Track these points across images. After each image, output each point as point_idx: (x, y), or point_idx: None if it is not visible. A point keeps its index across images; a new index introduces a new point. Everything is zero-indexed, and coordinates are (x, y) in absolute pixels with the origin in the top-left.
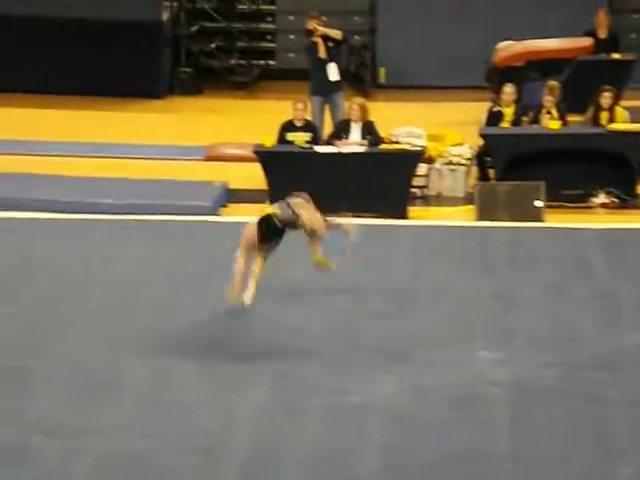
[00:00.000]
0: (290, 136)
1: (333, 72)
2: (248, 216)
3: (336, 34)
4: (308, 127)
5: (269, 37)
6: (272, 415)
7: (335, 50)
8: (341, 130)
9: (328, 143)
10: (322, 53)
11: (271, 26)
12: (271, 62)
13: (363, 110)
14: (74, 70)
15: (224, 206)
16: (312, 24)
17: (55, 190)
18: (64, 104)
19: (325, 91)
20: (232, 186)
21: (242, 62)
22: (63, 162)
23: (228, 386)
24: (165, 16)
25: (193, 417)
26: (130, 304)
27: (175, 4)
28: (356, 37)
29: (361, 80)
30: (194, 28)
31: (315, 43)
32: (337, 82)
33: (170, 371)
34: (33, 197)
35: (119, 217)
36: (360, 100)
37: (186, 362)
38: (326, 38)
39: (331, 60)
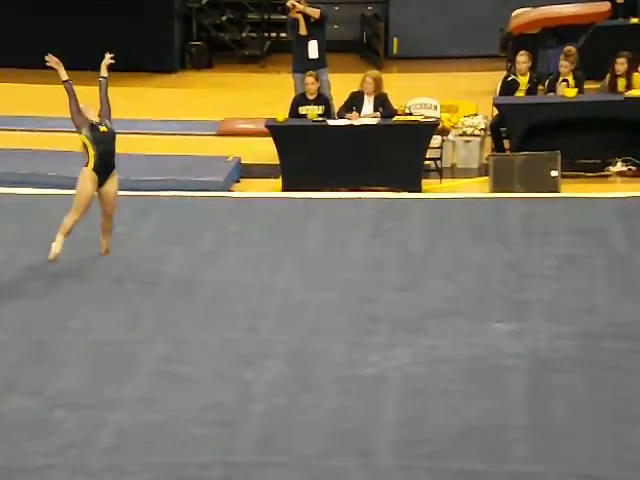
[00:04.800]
0: (302, 110)
1: (313, 49)
2: (260, 192)
3: (313, 12)
4: (320, 100)
5: (279, 9)
6: (287, 389)
7: (316, 27)
8: (353, 103)
9: (340, 116)
10: (302, 30)
11: None
12: (282, 34)
13: (377, 83)
14: (84, 45)
15: (237, 181)
16: (290, 1)
17: (66, 166)
18: (72, 79)
19: (306, 68)
20: (245, 161)
21: (253, 35)
22: (71, 138)
23: (243, 360)
24: None
25: (209, 391)
26: (145, 280)
27: None
28: (369, 7)
29: (374, 51)
30: (204, 1)
31: (296, 20)
32: (318, 59)
33: (186, 345)
34: (44, 172)
35: (131, 193)
36: (374, 73)
37: (202, 336)
38: (306, 15)
39: (312, 37)
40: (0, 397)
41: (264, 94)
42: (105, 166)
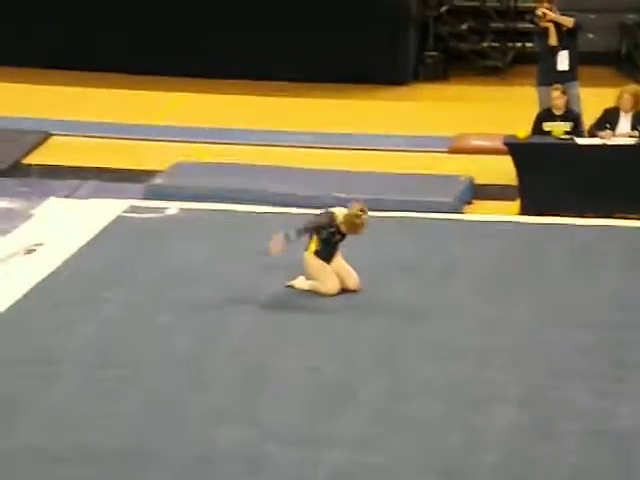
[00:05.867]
0: (547, 126)
1: (563, 61)
2: (494, 215)
3: (567, 21)
4: (568, 116)
5: (527, 17)
6: (521, 438)
7: (568, 37)
8: (607, 120)
9: (591, 134)
10: (553, 40)
11: (529, 4)
12: (528, 44)
13: (636, 99)
14: (313, 55)
15: (469, 203)
16: (541, 9)
17: (289, 183)
18: (301, 92)
19: (553, 81)
20: (478, 181)
21: (495, 44)
22: (296, 153)
23: (471, 401)
24: None
25: (432, 434)
26: (365, 307)
27: None
28: (629, 16)
29: (633, 64)
30: (443, 8)
31: (546, 29)
32: (568, 71)
33: (408, 381)
34: (268, 190)
35: None
36: (633, 88)
37: (426, 372)
38: (558, 24)
39: (562, 48)
40: (215, 424)
41: (504, 109)
42: (328, 254)
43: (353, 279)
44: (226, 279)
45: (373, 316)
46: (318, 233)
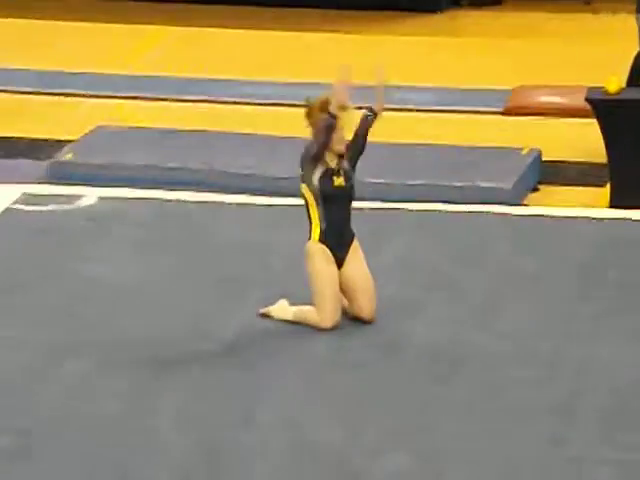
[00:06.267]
0: None
1: None
2: (572, 207)
3: None
4: None
5: None
6: None
7: None
8: None
9: None
10: None
11: None
12: None
13: None
14: None
15: (534, 190)
16: None
17: (259, 159)
18: (288, 21)
19: None
20: (547, 157)
21: None
22: (276, 114)
23: None
24: None
25: None
26: (383, 344)
27: None
28: None
29: None
30: None
31: None
32: None
33: (439, 458)
34: (228, 170)
35: (365, 204)
36: None
37: (466, 446)
38: None
39: None
40: None
41: (586, 48)
42: (338, 236)
43: (368, 304)
44: (166, 308)
45: (391, 359)
46: (309, 186)
